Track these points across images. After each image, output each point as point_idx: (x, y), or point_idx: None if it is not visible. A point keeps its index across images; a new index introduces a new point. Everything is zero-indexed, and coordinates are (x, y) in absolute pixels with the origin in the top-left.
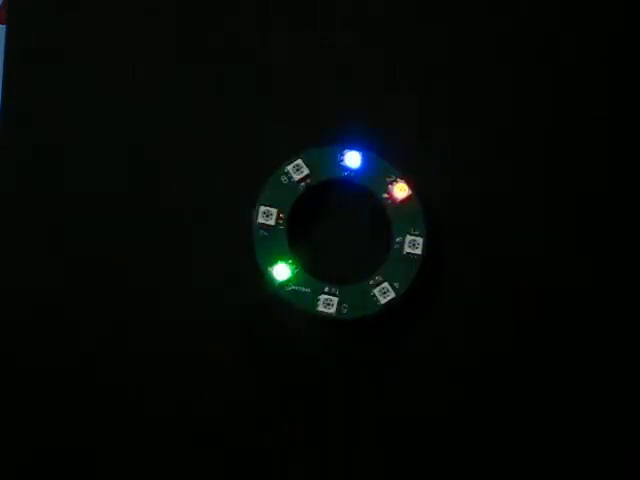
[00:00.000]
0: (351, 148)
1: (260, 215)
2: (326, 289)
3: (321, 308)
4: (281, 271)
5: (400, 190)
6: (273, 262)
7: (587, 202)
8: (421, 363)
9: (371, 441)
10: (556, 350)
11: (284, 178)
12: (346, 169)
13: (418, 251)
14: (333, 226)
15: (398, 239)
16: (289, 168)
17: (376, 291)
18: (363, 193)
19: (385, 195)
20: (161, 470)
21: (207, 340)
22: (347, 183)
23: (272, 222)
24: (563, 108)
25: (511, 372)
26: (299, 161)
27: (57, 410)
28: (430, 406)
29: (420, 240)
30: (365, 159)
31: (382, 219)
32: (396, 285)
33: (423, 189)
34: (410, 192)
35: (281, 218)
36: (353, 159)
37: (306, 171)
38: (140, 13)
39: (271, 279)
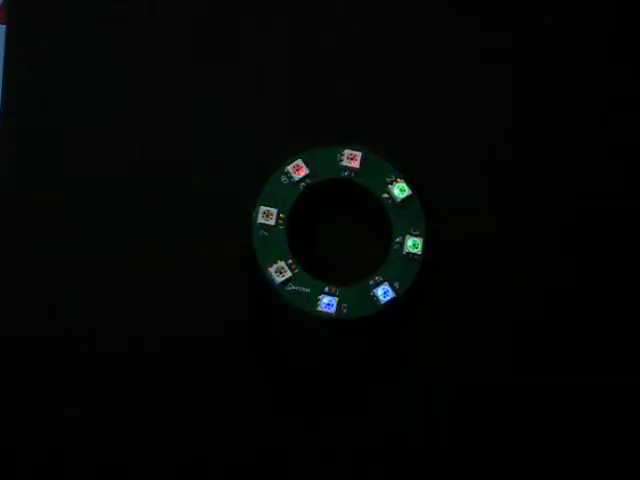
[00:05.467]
0: (351, 148)
1: (260, 215)
2: (326, 289)
3: (321, 308)
4: (281, 271)
5: (400, 190)
6: (273, 262)
7: (589, 202)
8: (421, 363)
9: (372, 441)
10: (557, 351)
11: (284, 178)
12: (346, 169)
13: (418, 251)
14: (333, 226)
15: (398, 239)
16: (289, 168)
17: (376, 291)
18: (363, 193)
19: (385, 195)
20: (160, 470)
21: (206, 340)
22: (347, 183)
23: (272, 222)
24: (564, 109)
25: (511, 372)
26: (299, 161)
27: (55, 409)
28: (430, 406)
29: (420, 240)
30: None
31: (382, 219)
32: (396, 285)
33: (423, 189)
34: (410, 192)
35: (281, 218)
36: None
37: (306, 171)
38: (140, 13)
39: (271, 279)
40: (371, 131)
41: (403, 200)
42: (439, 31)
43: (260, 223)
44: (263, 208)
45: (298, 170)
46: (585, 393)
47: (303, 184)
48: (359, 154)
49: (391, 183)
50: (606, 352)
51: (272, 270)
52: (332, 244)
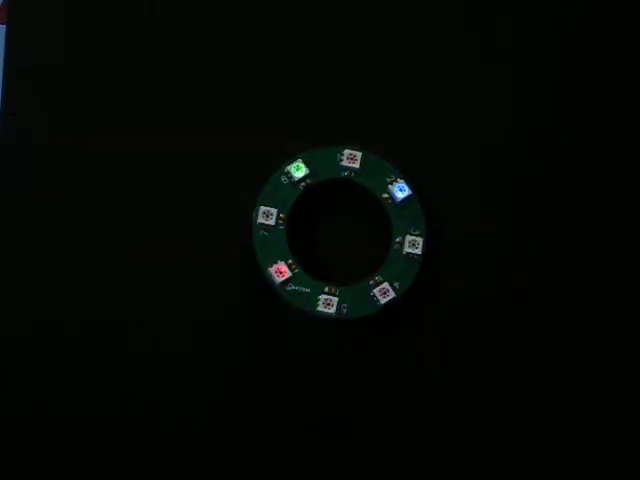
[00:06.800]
0: (351, 148)
1: (260, 215)
2: (326, 289)
3: (321, 308)
4: (281, 271)
5: (400, 190)
6: (273, 262)
7: (589, 202)
8: (421, 363)
9: (372, 441)
10: (557, 351)
11: (284, 178)
12: (346, 169)
13: (418, 251)
14: (333, 226)
15: (398, 239)
16: (289, 168)
17: (376, 291)
18: (363, 193)
19: (385, 195)
20: (160, 470)
21: (207, 340)
22: (347, 183)
23: (272, 222)
24: (564, 110)
25: (511, 372)
26: (299, 161)
27: (56, 409)
28: (430, 406)
29: (420, 240)
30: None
31: (382, 219)
32: (396, 285)
33: (423, 189)
34: (410, 192)
35: (281, 218)
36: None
37: (306, 171)
38: (140, 13)
39: (271, 279)
40: (371, 131)
41: (403, 200)
42: (439, 31)
43: (260, 223)
44: (263, 208)
45: (298, 170)
46: (585, 393)
47: (303, 184)
48: (359, 154)
49: (391, 183)
50: (606, 352)
51: (272, 270)
52: (332, 244)
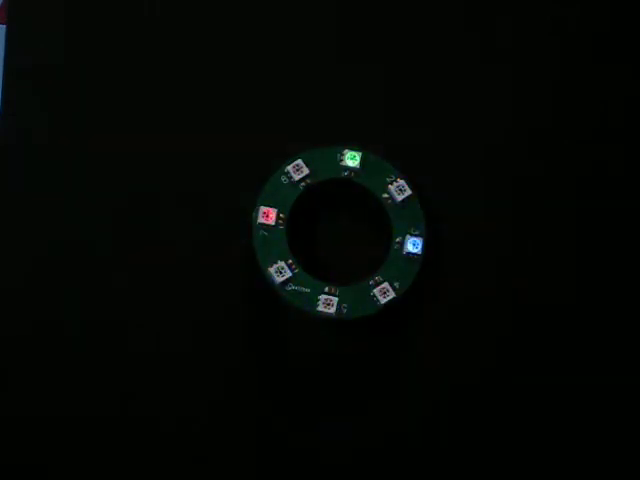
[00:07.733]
0: (351, 148)
1: (260, 215)
2: (326, 289)
3: (321, 308)
4: (281, 271)
5: (400, 190)
6: (273, 262)
7: (589, 202)
8: (421, 363)
9: (372, 441)
10: (557, 351)
11: (284, 178)
12: (346, 169)
13: (418, 251)
14: (333, 226)
15: (398, 239)
16: (289, 168)
17: (376, 291)
18: (363, 193)
19: (385, 195)
20: (160, 470)
21: (207, 340)
22: (347, 183)
23: (272, 222)
24: (564, 110)
25: (511, 372)
26: (299, 161)
27: (56, 409)
28: (430, 406)
29: (420, 240)
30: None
31: (382, 219)
32: (396, 285)
33: (423, 189)
34: (410, 192)
35: (281, 218)
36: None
37: (306, 171)
38: (140, 13)
39: (271, 279)
40: (371, 131)
41: (403, 200)
42: (439, 31)
43: (260, 223)
44: (263, 208)
45: (298, 170)
46: (585, 393)
47: (303, 184)
48: (359, 154)
49: (391, 183)
50: (606, 352)
51: (272, 270)
52: (332, 244)
